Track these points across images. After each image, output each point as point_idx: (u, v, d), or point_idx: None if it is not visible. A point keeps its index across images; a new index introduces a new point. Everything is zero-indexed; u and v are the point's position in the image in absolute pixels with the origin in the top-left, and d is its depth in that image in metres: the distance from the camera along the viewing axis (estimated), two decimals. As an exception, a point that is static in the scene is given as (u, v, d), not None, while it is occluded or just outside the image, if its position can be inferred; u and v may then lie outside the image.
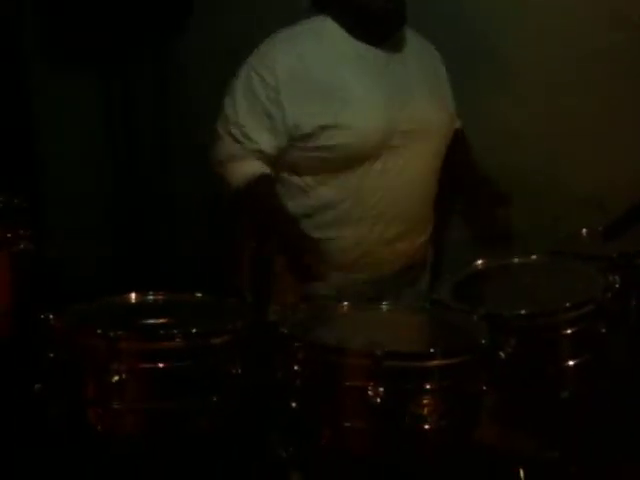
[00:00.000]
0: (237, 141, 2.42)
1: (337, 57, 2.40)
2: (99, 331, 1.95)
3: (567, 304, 2.12)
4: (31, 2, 3.23)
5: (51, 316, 2.01)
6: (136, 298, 2.19)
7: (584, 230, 2.62)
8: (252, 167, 2.42)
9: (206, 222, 3.24)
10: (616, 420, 2.23)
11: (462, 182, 2.61)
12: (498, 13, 2.91)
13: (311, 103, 2.36)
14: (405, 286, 2.58)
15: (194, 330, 1.96)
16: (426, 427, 1.87)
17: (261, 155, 2.42)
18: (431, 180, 2.55)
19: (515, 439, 2.18)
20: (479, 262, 2.41)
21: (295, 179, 2.46)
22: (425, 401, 1.87)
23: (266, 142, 2.40)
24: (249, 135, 2.41)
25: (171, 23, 3.28)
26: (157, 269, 3.25)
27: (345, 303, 2.17)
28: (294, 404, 1.92)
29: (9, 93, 3.21)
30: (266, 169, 2.44)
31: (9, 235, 2.21)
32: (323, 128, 2.35)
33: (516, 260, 2.41)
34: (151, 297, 2.20)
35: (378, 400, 1.84)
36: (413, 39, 2.53)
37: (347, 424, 1.89)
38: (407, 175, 2.45)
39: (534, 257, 2.41)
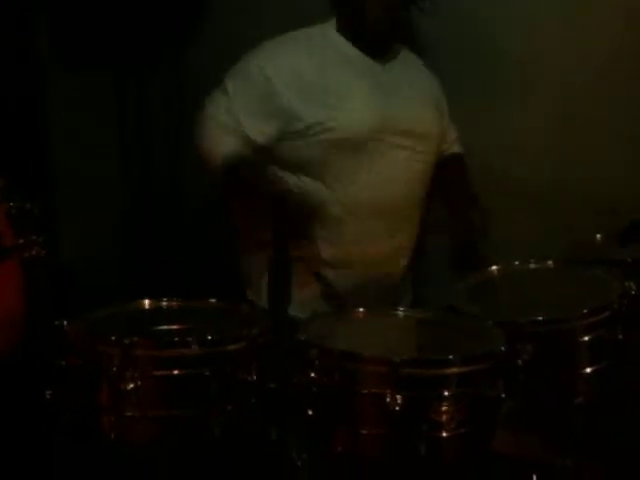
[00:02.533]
0: (225, 124, 2.45)
1: (330, 60, 2.49)
2: (113, 338, 1.93)
3: (584, 310, 2.11)
4: (46, 7, 3.22)
5: (65, 323, 2.00)
6: (150, 304, 2.18)
7: (598, 235, 2.60)
8: (228, 146, 2.43)
9: (219, 227, 3.22)
10: (632, 428, 2.21)
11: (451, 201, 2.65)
12: (508, 17, 2.89)
13: (302, 101, 2.42)
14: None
15: (209, 337, 1.95)
16: (444, 434, 1.86)
17: (243, 139, 2.44)
18: (416, 185, 2.58)
19: (530, 446, 2.16)
20: (494, 267, 2.39)
21: (278, 173, 2.49)
22: (443, 408, 1.86)
23: (253, 127, 2.44)
24: (239, 118, 2.44)
25: (185, 32, 3.28)
26: (170, 275, 3.24)
27: (361, 309, 2.16)
28: (310, 411, 1.91)
29: (24, 98, 3.21)
30: (241, 148, 2.45)
31: (21, 241, 2.20)
32: (311, 124, 2.42)
33: (532, 266, 2.40)
34: (165, 303, 2.19)
35: (396, 407, 1.83)
36: (410, 59, 2.64)
37: (364, 431, 1.87)
38: (389, 174, 2.49)
39: (549, 263, 2.40)
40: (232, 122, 2.45)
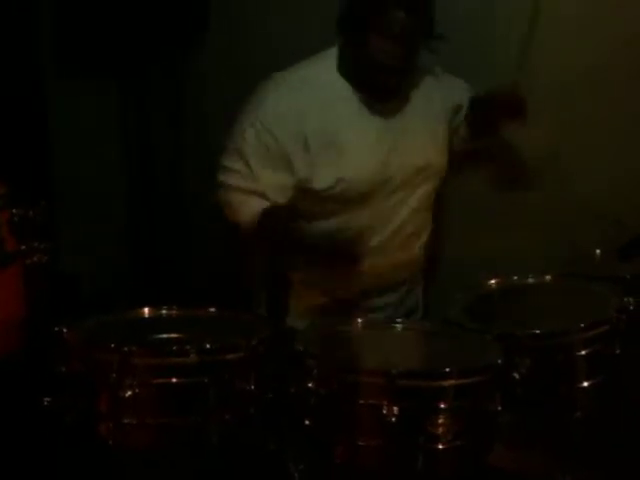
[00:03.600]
0: (247, 189, 2.43)
1: (331, 109, 2.40)
2: (112, 346, 1.94)
3: (582, 324, 2.11)
4: (48, 13, 3.23)
5: (65, 330, 2.01)
6: (150, 313, 2.19)
7: (598, 251, 2.61)
8: (259, 202, 2.42)
9: (221, 233, 3.24)
10: (630, 442, 2.21)
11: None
12: (511, 22, 2.89)
13: (308, 164, 2.39)
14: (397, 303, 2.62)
15: (208, 346, 1.96)
16: (440, 446, 1.87)
17: (268, 200, 2.43)
18: (421, 219, 2.59)
19: (528, 460, 2.16)
20: (492, 281, 2.40)
21: None
22: (440, 420, 1.87)
23: (275, 192, 2.41)
24: (261, 185, 2.41)
25: (187, 36, 3.28)
26: (173, 281, 3.25)
27: (360, 320, 2.17)
28: (308, 421, 1.92)
29: (25, 105, 3.22)
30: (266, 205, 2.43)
31: (23, 247, 2.20)
32: (319, 187, 2.40)
33: (530, 280, 2.41)
34: (165, 312, 2.20)
35: (393, 419, 1.83)
36: (419, 79, 2.51)
37: (361, 442, 1.88)
38: (396, 219, 2.50)
39: (548, 277, 2.41)
40: (254, 187, 2.42)
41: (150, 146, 3.40)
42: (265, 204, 2.41)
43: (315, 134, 2.38)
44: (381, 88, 2.40)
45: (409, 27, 2.31)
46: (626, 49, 2.80)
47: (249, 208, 2.42)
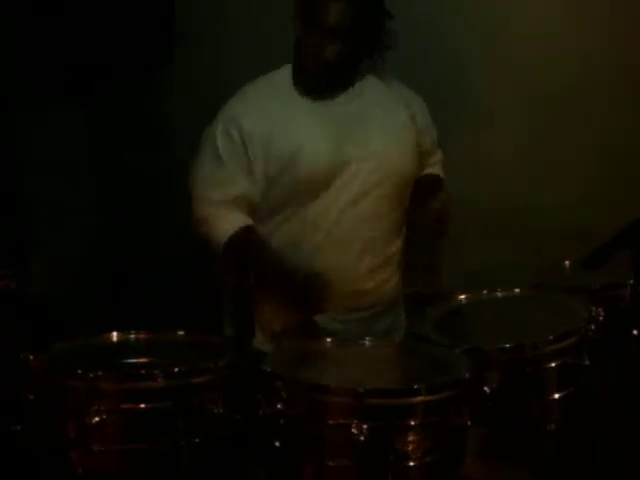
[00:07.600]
0: (218, 188, 2.41)
1: (291, 112, 2.42)
2: (79, 372, 1.93)
3: (550, 337, 2.12)
4: (15, 36, 3.22)
5: (31, 357, 2.00)
6: (117, 337, 2.18)
7: (567, 262, 2.62)
8: (233, 221, 2.40)
9: (191, 257, 3.23)
10: (600, 452, 2.22)
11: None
12: (475, 46, 2.93)
13: (268, 154, 2.39)
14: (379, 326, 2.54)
15: (175, 370, 1.95)
16: (411, 464, 1.86)
17: (243, 202, 2.42)
18: (386, 222, 2.51)
19: (501, 473, 2.17)
20: (461, 296, 2.40)
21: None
22: (409, 438, 1.86)
23: (248, 186, 2.41)
24: (231, 181, 2.40)
25: (154, 56, 3.28)
26: (141, 306, 3.23)
27: (329, 340, 2.16)
28: (277, 443, 1.91)
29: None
30: (247, 220, 2.42)
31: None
32: (276, 172, 2.39)
33: (499, 293, 2.41)
34: (133, 336, 2.19)
35: (362, 438, 1.83)
36: (374, 88, 2.51)
37: (331, 463, 1.87)
38: (357, 213, 2.44)
39: (517, 290, 2.41)
40: (232, 193, 2.40)
41: (120, 164, 3.39)
42: (242, 218, 2.39)
43: (273, 130, 2.38)
44: (313, 85, 2.40)
45: (346, 19, 2.30)
46: (590, 78, 2.84)
47: (228, 223, 2.39)
